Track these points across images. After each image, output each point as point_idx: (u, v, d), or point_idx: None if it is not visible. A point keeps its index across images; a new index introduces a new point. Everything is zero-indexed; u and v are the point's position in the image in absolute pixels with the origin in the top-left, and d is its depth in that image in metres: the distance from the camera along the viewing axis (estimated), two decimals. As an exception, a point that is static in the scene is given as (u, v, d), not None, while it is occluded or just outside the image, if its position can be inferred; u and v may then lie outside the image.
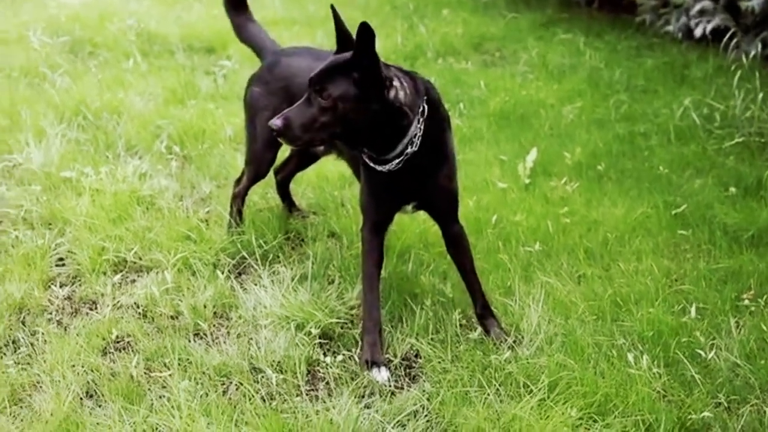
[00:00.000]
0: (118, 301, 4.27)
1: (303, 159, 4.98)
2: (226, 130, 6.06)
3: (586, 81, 7.26)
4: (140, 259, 4.57)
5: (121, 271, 4.52)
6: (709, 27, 7.87)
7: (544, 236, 4.80)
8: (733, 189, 5.33)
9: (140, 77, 7.01)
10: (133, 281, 4.46)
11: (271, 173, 4.86)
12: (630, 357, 3.71)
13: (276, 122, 3.49)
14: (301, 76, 4.34)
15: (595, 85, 7.15)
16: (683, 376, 3.67)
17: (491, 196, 5.25)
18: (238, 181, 4.86)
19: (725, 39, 7.59)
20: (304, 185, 5.40)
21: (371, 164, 3.73)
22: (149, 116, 6.23)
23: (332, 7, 3.68)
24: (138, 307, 4.23)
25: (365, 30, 3.34)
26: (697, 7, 7.94)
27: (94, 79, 6.87)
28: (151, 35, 8.08)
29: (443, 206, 3.98)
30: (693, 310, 4.07)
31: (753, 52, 7.12)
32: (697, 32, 7.93)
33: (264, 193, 5.27)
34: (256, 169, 4.67)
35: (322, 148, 4.53)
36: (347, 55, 3.50)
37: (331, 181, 5.42)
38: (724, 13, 7.80)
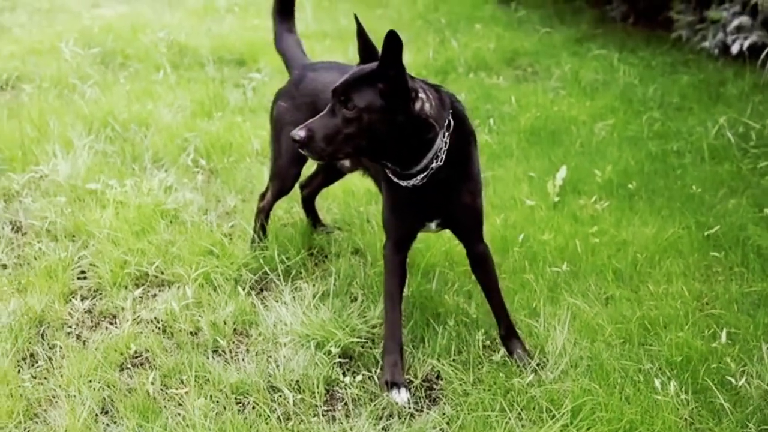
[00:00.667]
0: (138, 316, 4.23)
1: (329, 174, 4.93)
2: (253, 144, 6.02)
3: (619, 98, 7.15)
4: (162, 273, 4.54)
5: (143, 285, 4.48)
6: (746, 44, 7.72)
7: (571, 256, 4.71)
8: (768, 210, 5.21)
9: (169, 89, 7.00)
10: (155, 296, 4.42)
11: (296, 188, 4.81)
12: (657, 383, 3.61)
13: (299, 133, 3.41)
14: (327, 92, 4.30)
15: (628, 102, 7.05)
16: (712, 403, 3.56)
17: (519, 214, 5.17)
18: (262, 196, 4.81)
19: (762, 56, 7.44)
20: (330, 200, 5.35)
21: (395, 179, 3.66)
22: (176, 129, 6.21)
23: (356, 17, 3.62)
24: (158, 322, 4.18)
25: (392, 39, 3.25)
26: (735, 23, 7.80)
27: (123, 91, 6.88)
28: (182, 47, 8.07)
29: (467, 224, 3.89)
30: (724, 335, 3.96)
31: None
32: (734, 49, 7.79)
33: (289, 208, 5.23)
34: (280, 185, 4.61)
35: (348, 164, 4.47)
36: (373, 65, 3.43)
37: (357, 197, 5.36)
38: (761, 29, 7.66)
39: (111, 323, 4.21)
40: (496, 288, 3.99)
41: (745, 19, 7.77)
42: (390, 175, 3.66)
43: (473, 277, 4.10)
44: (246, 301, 4.26)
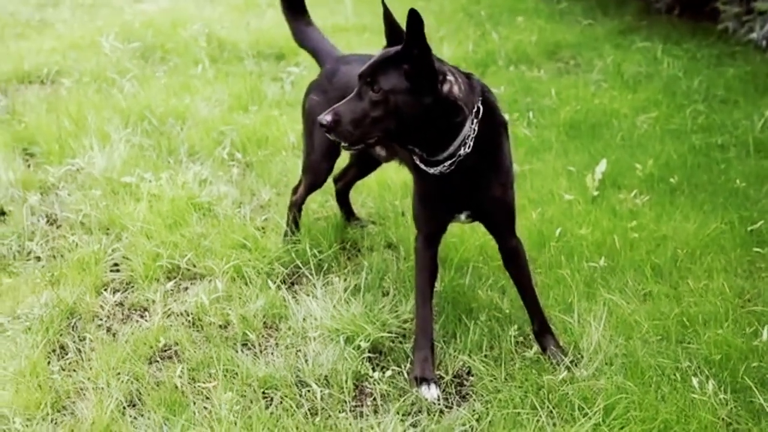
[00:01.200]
0: (168, 309, 4.21)
1: (363, 166, 4.87)
2: (290, 137, 5.99)
3: (662, 90, 7.00)
4: (194, 266, 4.51)
5: (174, 278, 4.46)
6: (795, 35, 7.55)
7: (609, 251, 4.61)
8: (814, 204, 5.07)
9: (207, 83, 7.00)
10: (186, 289, 4.40)
11: (330, 181, 4.77)
12: (695, 381, 3.51)
13: (326, 117, 3.34)
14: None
15: (672, 95, 6.90)
16: (752, 403, 3.45)
17: (556, 208, 5.07)
18: (295, 190, 4.76)
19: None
20: (365, 194, 5.29)
21: (422, 167, 3.57)
22: (213, 122, 6.19)
23: (383, 1, 3.55)
24: (188, 315, 4.16)
25: (414, 18, 3.18)
26: (783, 14, 7.63)
27: (161, 84, 6.88)
28: (221, 41, 8.07)
29: (498, 218, 3.80)
30: (765, 332, 3.84)
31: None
32: (783, 40, 7.62)
33: (323, 202, 5.18)
34: (312, 179, 4.57)
35: (384, 153, 4.40)
36: (398, 47, 3.37)
37: (392, 190, 5.29)
38: (811, 20, 7.48)
39: (141, 316, 4.19)
40: (529, 284, 3.91)
41: (793, 10, 7.59)
42: (418, 162, 3.59)
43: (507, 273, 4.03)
44: (276, 295, 4.22)
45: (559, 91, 6.96)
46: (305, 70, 7.35)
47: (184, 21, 8.76)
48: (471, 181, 3.59)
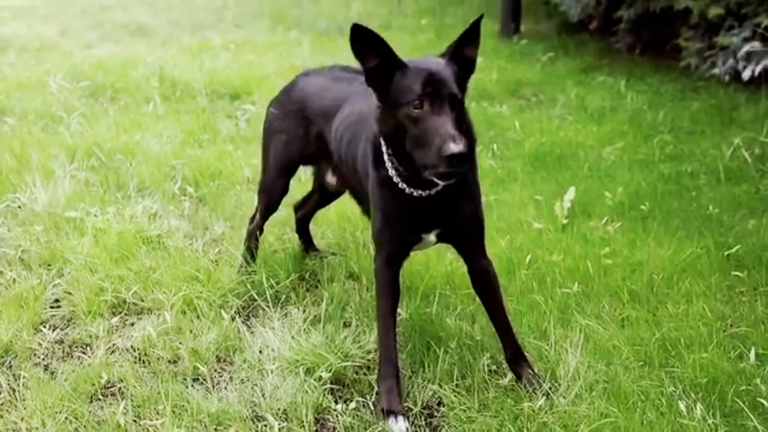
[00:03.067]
0: (112, 344, 3.89)
1: (324, 194, 4.63)
2: (244, 172, 5.73)
3: (628, 122, 6.86)
4: (141, 300, 4.20)
5: (120, 313, 4.15)
6: (758, 69, 7.44)
7: (583, 277, 4.38)
8: (789, 230, 4.89)
9: (158, 119, 6.72)
10: (132, 324, 4.08)
11: (287, 214, 4.52)
12: (682, 405, 3.26)
13: (459, 146, 2.92)
14: (315, 97, 4.04)
15: (637, 126, 6.75)
16: (744, 427, 3.21)
17: (525, 236, 4.84)
18: (252, 219, 4.53)
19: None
20: (324, 226, 5.03)
21: (407, 189, 3.32)
22: (164, 157, 5.91)
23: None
24: (134, 351, 3.85)
25: (475, 26, 3.21)
26: (745, 48, 7.53)
27: (111, 122, 6.59)
28: (174, 81, 7.81)
29: (469, 236, 3.56)
30: (752, 354, 3.61)
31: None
32: (746, 75, 7.51)
33: (280, 234, 4.91)
34: (268, 199, 4.34)
35: (334, 181, 4.17)
36: (440, 60, 3.18)
37: (352, 221, 5.04)
38: (773, 54, 7.39)
39: (83, 353, 3.87)
40: (501, 306, 3.65)
41: (756, 45, 7.49)
42: (402, 183, 3.32)
43: (477, 299, 3.77)
44: (230, 327, 3.92)
45: (523, 124, 6.79)
46: (261, 107, 7.10)
47: (135, 62, 8.51)
48: (444, 199, 3.35)
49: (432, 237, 3.51)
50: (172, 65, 8.28)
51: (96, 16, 11.47)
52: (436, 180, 3.07)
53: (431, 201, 3.34)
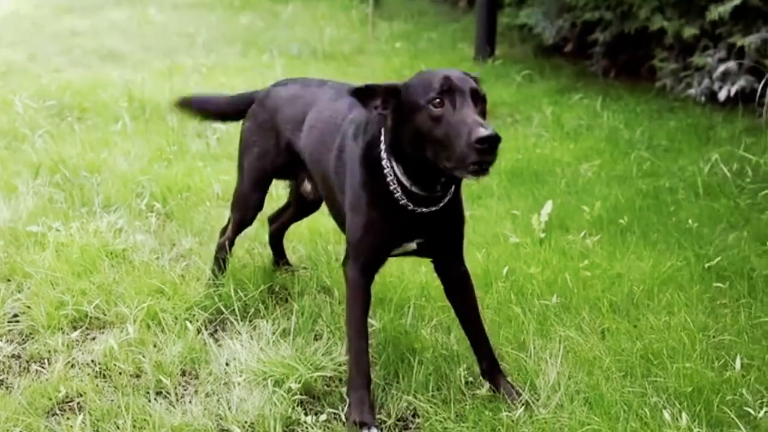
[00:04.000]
0: (72, 358, 3.71)
1: (300, 207, 4.49)
2: (214, 188, 5.57)
3: (605, 140, 6.77)
4: (104, 314, 4.03)
5: (81, 327, 3.97)
6: (734, 89, 7.41)
7: (561, 289, 4.26)
8: (771, 243, 4.79)
9: (126, 137, 6.55)
10: (93, 338, 3.90)
11: (257, 228, 4.37)
12: (666, 414, 3.13)
13: (489, 129, 2.80)
14: (286, 106, 3.92)
15: (615, 143, 6.67)
16: (732, 436, 3.08)
17: (502, 250, 4.72)
18: (223, 231, 4.37)
19: (753, 100, 7.12)
20: (295, 241, 4.88)
21: (410, 205, 3.19)
22: (131, 174, 5.74)
23: None
24: (95, 365, 3.67)
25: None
26: (721, 68, 7.50)
27: (77, 140, 6.42)
28: (143, 101, 7.64)
29: (450, 241, 3.44)
30: (737, 363, 3.49)
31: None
32: (721, 95, 7.48)
33: (250, 249, 4.76)
34: (241, 213, 4.18)
35: (310, 188, 4.03)
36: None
37: (324, 236, 4.89)
38: (749, 74, 7.34)
39: (41, 367, 3.68)
40: (477, 315, 3.52)
41: (731, 65, 7.47)
42: (402, 200, 3.20)
43: (453, 312, 3.63)
44: (196, 339, 3.76)
45: (499, 141, 6.66)
46: (232, 126, 6.95)
47: (104, 84, 8.35)
48: (438, 210, 3.26)
49: (413, 245, 3.37)
50: (141, 86, 8.12)
51: (66, 41, 11.30)
52: (469, 176, 2.88)
53: (427, 213, 3.23)
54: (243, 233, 4.38)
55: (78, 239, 4.65)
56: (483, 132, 2.77)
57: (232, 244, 4.33)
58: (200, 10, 13.51)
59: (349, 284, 3.39)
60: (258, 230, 4.78)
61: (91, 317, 4.02)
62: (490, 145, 2.78)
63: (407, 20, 13.45)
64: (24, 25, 12.64)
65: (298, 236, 4.92)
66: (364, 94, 3.10)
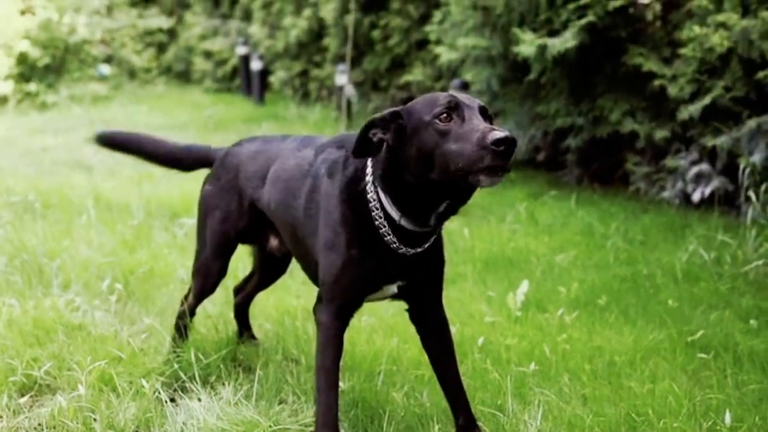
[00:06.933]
0: (17, 423, 3.45)
1: (266, 273, 4.33)
2: (178, 272, 5.37)
3: (580, 233, 6.66)
4: (55, 378, 3.78)
5: (29, 393, 3.72)
6: (708, 191, 7.37)
7: (540, 358, 4.07)
8: (754, 322, 4.64)
9: (90, 228, 6.36)
10: (42, 405, 3.64)
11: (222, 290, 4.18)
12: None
13: (505, 132, 2.70)
14: (248, 162, 3.79)
15: (590, 236, 6.55)
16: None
17: (477, 326, 4.54)
18: (185, 298, 4.16)
19: (729, 200, 7.10)
20: (262, 318, 4.68)
21: (398, 246, 3.06)
22: (93, 259, 5.51)
23: None
24: (42, 429, 3.41)
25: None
26: (694, 171, 7.48)
27: (39, 229, 6.21)
28: (110, 203, 7.48)
29: (431, 285, 3.33)
30: (727, 418, 3.31)
31: (752, 213, 6.48)
32: (695, 197, 7.43)
33: (217, 315, 4.53)
34: (202, 282, 3.97)
35: (276, 243, 3.86)
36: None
37: (292, 313, 4.69)
38: (721, 176, 7.33)
39: (-17, 433, 3.42)
40: (454, 365, 3.34)
41: (704, 167, 7.45)
42: (392, 242, 3.06)
43: (426, 376, 3.44)
44: (152, 399, 3.51)
45: (473, 232, 6.55)
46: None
47: (71, 186, 8.19)
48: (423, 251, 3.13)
49: (393, 288, 3.21)
50: (109, 190, 8.00)
51: (36, 155, 11.20)
52: (483, 180, 2.73)
53: (410, 254, 3.09)
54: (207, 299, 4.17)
55: (33, 313, 4.42)
56: (499, 134, 2.68)
57: (193, 312, 4.12)
58: (173, 131, 13.49)
59: (321, 329, 3.20)
60: (218, 296, 4.59)
61: (41, 384, 3.77)
62: (506, 147, 2.67)
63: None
64: (-6, 144, 12.58)
65: (265, 314, 4.72)
66: (363, 142, 2.99)
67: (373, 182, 3.04)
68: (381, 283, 3.18)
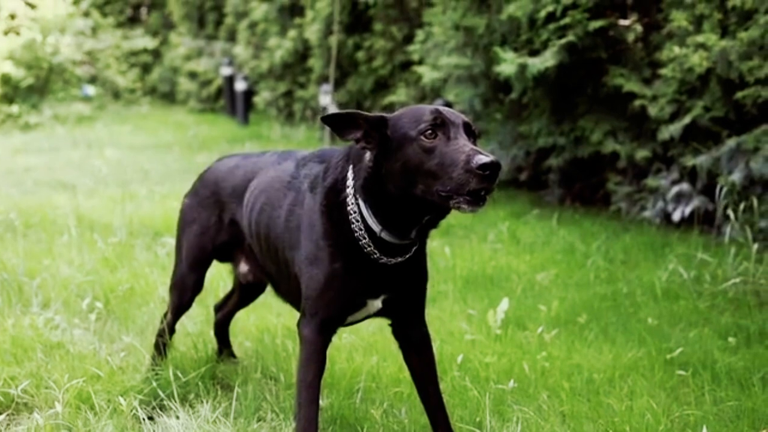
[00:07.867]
0: (-6, 440, 3.44)
1: (245, 293, 4.32)
2: (159, 291, 5.36)
3: (561, 252, 6.68)
4: (32, 396, 3.77)
5: (6, 411, 3.70)
6: (688, 210, 7.41)
7: (519, 376, 4.08)
8: (732, 339, 4.67)
9: (72, 248, 6.34)
10: (19, 424, 3.63)
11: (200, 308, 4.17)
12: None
13: (491, 157, 2.72)
14: (228, 177, 3.80)
15: (571, 255, 6.58)
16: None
17: (457, 344, 4.54)
18: (164, 316, 4.14)
19: (709, 220, 7.14)
20: (242, 337, 4.67)
21: (379, 256, 3.07)
22: (74, 278, 5.50)
23: None
24: (18, 447, 3.40)
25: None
26: (674, 190, 7.52)
27: (20, 248, 6.20)
28: (92, 222, 7.47)
29: (415, 299, 3.33)
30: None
31: (730, 232, 6.53)
32: (676, 216, 7.47)
33: (197, 334, 4.52)
34: (179, 296, 3.99)
35: (247, 269, 3.87)
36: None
37: (272, 331, 4.69)
38: (702, 195, 7.37)
39: (-42, 452, 3.40)
40: (435, 381, 3.35)
41: (684, 187, 7.50)
42: (373, 253, 3.06)
43: (405, 393, 3.45)
44: (129, 418, 3.50)
45: (454, 252, 6.57)
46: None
47: (53, 206, 8.17)
48: (404, 263, 3.13)
49: (378, 303, 3.21)
50: (91, 209, 7.99)
51: (19, 176, 11.19)
52: (465, 206, 2.77)
53: (392, 265, 3.10)
54: (185, 317, 4.17)
55: (11, 331, 4.41)
56: (484, 158, 2.70)
57: (172, 329, 4.11)
58: (157, 150, 13.53)
59: (304, 344, 3.20)
60: (196, 314, 4.58)
61: (18, 402, 3.76)
62: (491, 172, 2.70)
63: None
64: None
65: (245, 332, 4.72)
66: (340, 120, 2.97)
67: (354, 194, 3.05)
68: (365, 297, 3.19)
